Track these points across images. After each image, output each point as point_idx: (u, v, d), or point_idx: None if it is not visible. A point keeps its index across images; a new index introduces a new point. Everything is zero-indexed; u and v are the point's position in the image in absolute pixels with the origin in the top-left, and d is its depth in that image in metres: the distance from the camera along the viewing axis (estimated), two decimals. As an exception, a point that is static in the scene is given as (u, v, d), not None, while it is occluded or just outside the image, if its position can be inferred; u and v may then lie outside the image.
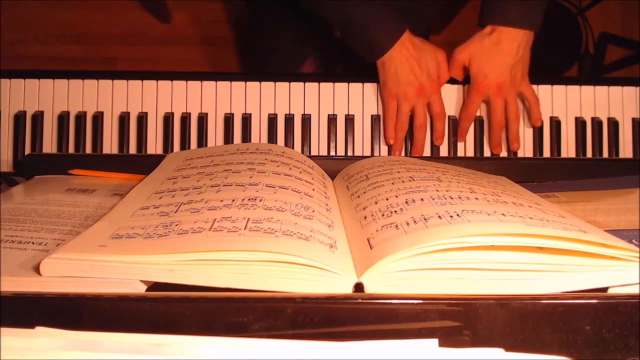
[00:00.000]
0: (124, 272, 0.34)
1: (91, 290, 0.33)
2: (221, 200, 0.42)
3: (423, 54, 0.74)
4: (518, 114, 0.76)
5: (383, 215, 0.41)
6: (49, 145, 0.75)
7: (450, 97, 0.78)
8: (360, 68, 0.77)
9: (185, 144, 0.76)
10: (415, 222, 0.38)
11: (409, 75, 0.73)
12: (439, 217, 0.38)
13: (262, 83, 0.78)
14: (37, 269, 0.34)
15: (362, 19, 0.73)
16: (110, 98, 0.77)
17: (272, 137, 0.76)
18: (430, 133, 0.77)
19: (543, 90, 0.79)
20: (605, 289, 0.34)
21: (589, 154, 0.78)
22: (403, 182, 0.49)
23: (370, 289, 0.33)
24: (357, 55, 0.76)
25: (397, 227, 0.38)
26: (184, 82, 0.77)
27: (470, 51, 0.74)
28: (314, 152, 0.76)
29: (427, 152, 0.78)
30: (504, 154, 0.78)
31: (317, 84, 0.78)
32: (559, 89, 0.79)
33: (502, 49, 0.72)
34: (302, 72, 0.93)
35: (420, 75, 0.74)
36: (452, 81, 0.78)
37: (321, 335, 0.31)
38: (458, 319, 0.32)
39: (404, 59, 0.73)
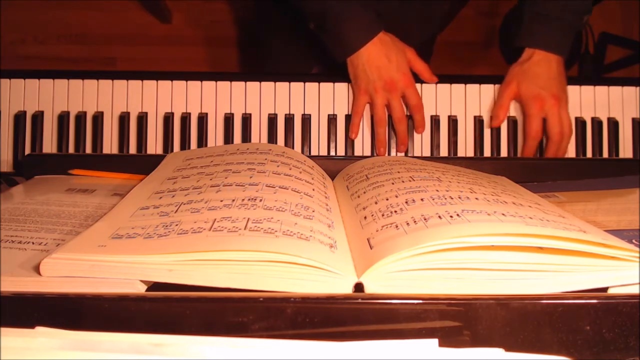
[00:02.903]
0: (124, 272, 0.34)
1: (91, 290, 0.33)
2: (221, 200, 0.42)
3: (392, 50, 0.75)
4: (571, 129, 0.77)
5: (383, 215, 0.41)
6: (49, 145, 0.75)
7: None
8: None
9: (185, 144, 0.76)
10: (415, 222, 0.38)
11: (377, 70, 0.74)
12: (439, 217, 0.38)
13: (262, 83, 0.78)
14: (37, 269, 0.34)
15: (338, 13, 0.73)
16: (110, 98, 0.77)
17: (272, 137, 0.76)
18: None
19: (543, 90, 0.79)
20: (605, 289, 0.34)
21: (589, 154, 0.78)
22: (403, 182, 0.49)
23: (370, 289, 0.33)
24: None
25: (397, 227, 0.38)
26: (184, 82, 0.77)
27: (514, 80, 0.77)
28: (314, 152, 0.76)
29: (427, 152, 0.78)
30: (503, 153, 0.78)
31: (317, 84, 0.78)
32: (559, 89, 0.79)
33: (544, 67, 0.77)
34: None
35: (389, 69, 0.74)
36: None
37: (321, 335, 0.31)
38: (458, 319, 0.32)
39: (372, 56, 0.74)
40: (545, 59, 0.77)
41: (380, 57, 0.74)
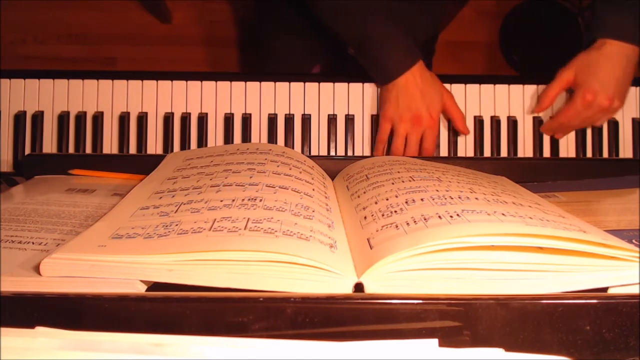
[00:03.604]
0: (124, 272, 0.34)
1: (91, 290, 0.33)
2: (221, 200, 0.42)
3: (429, 88, 0.74)
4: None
5: (383, 215, 0.41)
6: (49, 145, 0.75)
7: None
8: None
9: (185, 144, 0.76)
10: (415, 222, 0.38)
11: (408, 101, 0.73)
12: (439, 217, 0.38)
13: (262, 83, 0.78)
14: (37, 269, 0.34)
15: (379, 40, 0.73)
16: (110, 98, 0.77)
17: (272, 137, 0.76)
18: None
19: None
20: (605, 289, 0.34)
21: (589, 154, 0.78)
22: (403, 182, 0.49)
23: (370, 289, 0.33)
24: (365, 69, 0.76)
25: (397, 227, 0.38)
26: (184, 82, 0.77)
27: (573, 66, 0.74)
28: (314, 152, 0.76)
29: (427, 152, 0.78)
30: (503, 153, 0.78)
31: (317, 84, 0.78)
32: (559, 89, 0.79)
33: (613, 62, 0.72)
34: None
35: (419, 105, 0.73)
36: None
37: (321, 335, 0.31)
38: (458, 319, 0.32)
39: (408, 86, 0.73)
40: (617, 52, 0.71)
41: (415, 90, 0.73)
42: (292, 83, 0.78)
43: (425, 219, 0.38)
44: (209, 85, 0.77)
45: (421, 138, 0.75)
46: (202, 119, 0.76)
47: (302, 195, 0.45)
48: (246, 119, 0.77)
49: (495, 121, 0.78)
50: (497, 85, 0.79)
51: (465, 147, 0.78)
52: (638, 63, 0.73)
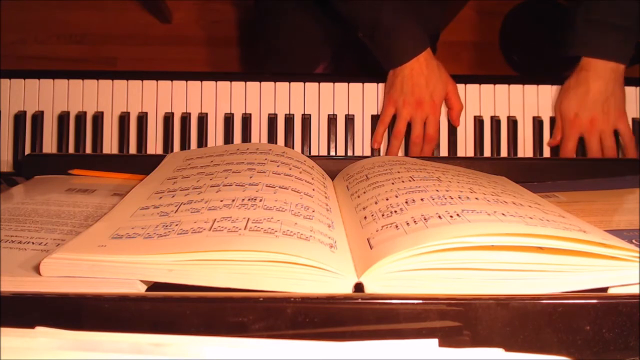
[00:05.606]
0: (124, 272, 0.34)
1: (91, 290, 0.33)
2: (221, 200, 0.42)
3: (434, 75, 0.75)
4: (614, 151, 0.76)
5: (383, 215, 0.41)
6: (49, 145, 0.75)
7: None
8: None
9: (185, 144, 0.76)
10: (415, 222, 0.38)
11: (413, 87, 0.74)
12: (439, 217, 0.38)
13: (262, 83, 0.78)
14: (37, 269, 0.34)
15: (390, 27, 0.74)
16: (110, 98, 0.77)
17: (272, 137, 0.76)
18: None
19: (543, 90, 0.79)
20: (605, 289, 0.34)
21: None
22: (403, 182, 0.49)
23: (370, 289, 0.33)
24: (371, 58, 0.77)
25: (397, 227, 0.38)
26: (184, 82, 0.77)
27: (558, 99, 0.77)
28: (314, 152, 0.76)
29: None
30: (503, 153, 0.78)
31: (317, 84, 0.78)
32: (559, 89, 0.79)
33: (589, 87, 0.74)
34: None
35: (423, 91, 0.75)
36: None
37: (321, 335, 0.31)
38: (458, 319, 0.32)
39: (414, 73, 0.74)
40: (593, 76, 0.74)
41: (420, 77, 0.74)
42: (292, 83, 0.78)
43: (425, 219, 0.38)
44: (209, 85, 0.77)
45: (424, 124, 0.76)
46: (202, 119, 0.76)
47: (302, 195, 0.45)
48: (246, 119, 0.77)
49: (495, 121, 0.78)
50: (497, 85, 0.79)
51: (465, 147, 0.78)
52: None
